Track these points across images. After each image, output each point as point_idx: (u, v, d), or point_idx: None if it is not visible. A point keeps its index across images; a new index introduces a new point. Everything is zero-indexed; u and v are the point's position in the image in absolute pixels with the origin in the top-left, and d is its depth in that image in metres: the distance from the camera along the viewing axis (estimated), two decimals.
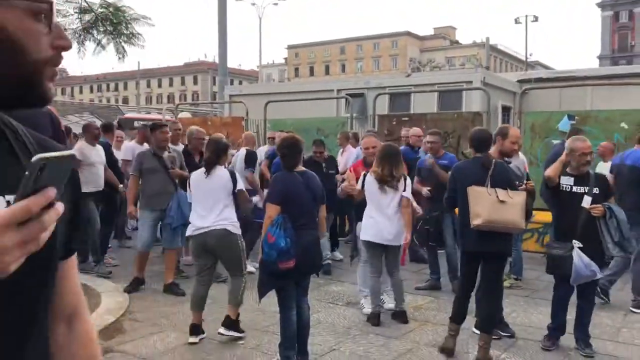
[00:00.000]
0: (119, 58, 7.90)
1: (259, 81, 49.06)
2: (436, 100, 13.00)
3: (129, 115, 17.62)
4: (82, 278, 6.36)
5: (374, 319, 5.11)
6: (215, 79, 51.99)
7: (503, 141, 4.51)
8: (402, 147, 7.64)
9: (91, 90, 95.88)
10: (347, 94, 12.61)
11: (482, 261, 4.25)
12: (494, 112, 11.41)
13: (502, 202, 4.06)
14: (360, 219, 5.30)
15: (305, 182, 4.08)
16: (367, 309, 5.33)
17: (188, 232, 4.66)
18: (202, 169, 4.70)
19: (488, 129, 5.05)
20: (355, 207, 5.49)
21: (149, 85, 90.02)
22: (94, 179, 6.45)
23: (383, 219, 4.99)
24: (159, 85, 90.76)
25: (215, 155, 4.64)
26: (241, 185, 4.71)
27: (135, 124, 16.02)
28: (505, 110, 13.13)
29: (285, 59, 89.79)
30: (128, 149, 7.79)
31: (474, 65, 61.21)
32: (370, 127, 10.18)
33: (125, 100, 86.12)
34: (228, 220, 4.55)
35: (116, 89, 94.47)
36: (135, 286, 5.93)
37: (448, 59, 74.55)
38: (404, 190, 5.04)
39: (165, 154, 6.04)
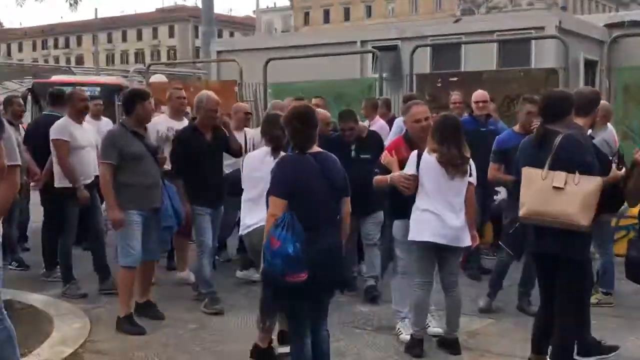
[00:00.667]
0: (70, 5, 7.98)
1: (257, 32, 49.05)
2: (495, 54, 12.90)
3: (55, 78, 17.08)
4: (31, 299, 6.39)
5: (416, 347, 5.11)
6: (197, 29, 52.06)
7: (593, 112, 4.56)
8: (462, 118, 7.62)
9: (34, 48, 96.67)
10: (374, 47, 12.57)
11: (554, 267, 4.30)
12: (574, 68, 11.31)
13: (557, 188, 4.11)
14: (399, 216, 5.30)
15: (321, 168, 4.07)
16: (406, 334, 5.34)
17: (243, 230, 5.01)
18: (264, 150, 4.96)
19: (566, 91, 5.00)
20: (391, 199, 5.45)
21: (110, 40, 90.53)
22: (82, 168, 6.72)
23: (447, 212, 4.99)
24: (124, 39, 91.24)
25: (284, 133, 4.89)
26: None
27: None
28: (589, 65, 13.01)
29: (291, 1, 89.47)
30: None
31: (547, 4, 60.54)
32: (408, 91, 10.15)
33: (80, 60, 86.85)
34: None
35: (67, 45, 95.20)
36: (130, 322, 5.71)
37: None
38: (470, 175, 5.07)
39: (148, 135, 6.10)
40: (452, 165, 4.95)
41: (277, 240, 3.81)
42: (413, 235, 5.07)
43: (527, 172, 4.26)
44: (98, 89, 14.19)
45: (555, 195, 4.10)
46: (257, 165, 4.96)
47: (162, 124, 7.02)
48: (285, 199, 3.94)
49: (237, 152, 6.58)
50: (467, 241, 5.08)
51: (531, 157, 4.31)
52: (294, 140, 4.10)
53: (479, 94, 7.64)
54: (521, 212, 4.25)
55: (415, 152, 5.09)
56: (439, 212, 4.98)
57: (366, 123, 8.77)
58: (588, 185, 4.08)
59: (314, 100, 8.30)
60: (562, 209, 4.07)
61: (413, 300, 5.21)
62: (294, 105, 4.37)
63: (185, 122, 6.81)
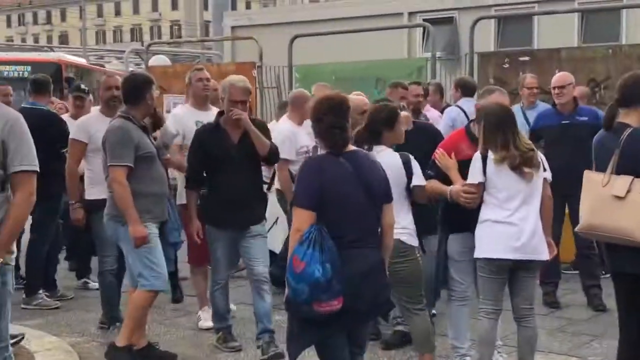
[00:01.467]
0: None
1: (279, 2, 49.25)
2: (576, 27, 12.81)
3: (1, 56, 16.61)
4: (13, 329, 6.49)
5: None
6: (207, 0, 52.44)
7: None
8: (545, 109, 7.58)
9: (8, 24, 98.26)
10: (425, 20, 12.59)
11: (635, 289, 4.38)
12: None
13: (617, 198, 4.19)
14: (455, 229, 5.33)
15: (355, 170, 4.12)
16: None
17: None
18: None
19: None
20: (445, 209, 5.48)
21: (100, 14, 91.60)
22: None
23: (524, 221, 5.00)
24: (117, 13, 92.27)
25: (378, 127, 5.06)
26: (420, 177, 5.13)
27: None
28: None
29: None
30: (85, 123, 6.93)
31: None
32: (466, 74, 10.15)
33: (64, 39, 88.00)
34: (404, 227, 4.96)
35: (49, 20, 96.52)
36: (131, 355, 5.63)
37: None
38: (544, 169, 5.10)
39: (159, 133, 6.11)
40: (524, 163, 4.95)
41: (301, 261, 3.84)
42: (482, 252, 5.07)
43: (588, 176, 4.37)
44: (29, 68, 14.25)
45: (614, 205, 4.19)
46: None
47: (188, 116, 6.79)
48: (312, 210, 3.99)
49: (269, 158, 6.15)
50: (545, 253, 5.09)
51: (603, 156, 4.42)
52: (328, 138, 4.15)
53: (557, 77, 7.53)
54: (577, 227, 4.37)
55: (478, 154, 5.07)
56: (515, 222, 4.98)
57: None
58: None
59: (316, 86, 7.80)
60: (620, 223, 4.16)
61: (478, 332, 5.23)
62: (325, 94, 4.40)
63: (212, 114, 6.50)
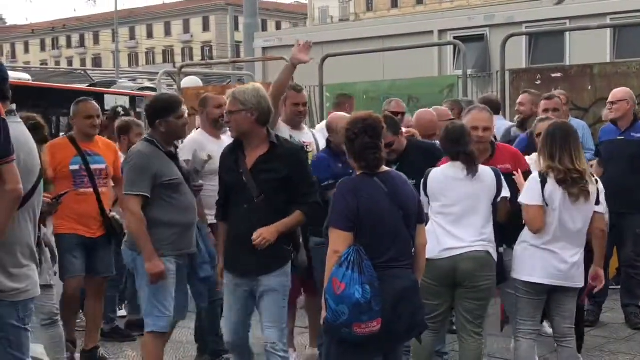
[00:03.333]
0: (88, 0, 8.19)
1: (309, 22, 49.57)
2: (609, 42, 12.72)
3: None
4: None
5: None
6: (237, 20, 52.98)
7: None
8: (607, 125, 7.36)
9: (42, 48, 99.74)
10: (456, 38, 12.56)
11: None
12: None
13: None
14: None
15: (389, 191, 4.12)
16: None
17: (428, 254, 4.72)
18: (455, 165, 4.98)
19: None
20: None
21: (132, 37, 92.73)
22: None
23: (565, 247, 4.98)
24: (149, 36, 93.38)
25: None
26: (507, 190, 5.12)
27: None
28: None
29: None
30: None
31: None
32: (495, 91, 10.10)
33: (97, 62, 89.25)
34: (490, 240, 4.98)
35: (82, 44, 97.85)
36: None
37: None
38: (597, 201, 5.01)
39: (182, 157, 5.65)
40: (572, 180, 4.87)
41: (341, 282, 3.86)
42: (519, 273, 5.06)
43: None
44: None
45: None
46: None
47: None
48: (349, 231, 4.00)
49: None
50: (580, 281, 5.05)
51: None
52: (363, 158, 4.16)
53: (612, 93, 7.32)
54: None
55: (535, 174, 5.03)
56: (555, 247, 4.96)
57: None
58: None
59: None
60: None
61: (518, 353, 5.18)
62: (359, 115, 4.38)
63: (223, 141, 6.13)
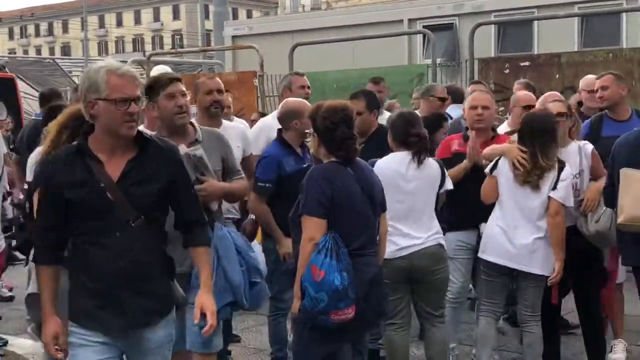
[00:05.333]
0: None
1: (280, 11, 49.45)
2: (577, 31, 12.80)
3: None
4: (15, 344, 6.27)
5: None
6: (208, 9, 52.66)
7: None
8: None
9: (10, 36, 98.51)
10: (425, 27, 12.58)
11: None
12: None
13: None
14: (451, 227, 5.39)
15: (360, 181, 4.14)
16: None
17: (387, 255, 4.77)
18: (402, 155, 4.88)
19: None
20: (441, 209, 5.44)
21: (102, 25, 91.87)
22: None
23: (517, 228, 5.04)
24: (119, 24, 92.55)
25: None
26: (450, 182, 5.08)
27: None
28: None
29: None
30: None
31: None
32: (464, 79, 10.15)
33: (66, 51, 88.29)
34: (438, 232, 4.99)
35: (51, 32, 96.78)
36: None
37: None
38: (554, 187, 5.04)
39: (184, 147, 4.25)
40: (535, 171, 4.96)
41: (320, 270, 3.87)
42: (482, 253, 5.18)
43: (625, 174, 4.65)
44: None
45: None
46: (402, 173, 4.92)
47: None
48: (324, 218, 4.01)
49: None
50: (538, 267, 5.05)
51: (632, 156, 4.71)
52: (344, 148, 4.16)
53: (589, 81, 7.00)
54: (620, 218, 4.63)
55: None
56: (507, 227, 5.04)
57: None
58: None
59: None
60: None
61: (477, 330, 5.29)
62: (336, 104, 4.34)
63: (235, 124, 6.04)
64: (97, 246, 3.32)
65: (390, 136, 5.00)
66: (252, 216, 5.54)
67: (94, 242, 3.32)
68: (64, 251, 3.42)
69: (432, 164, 4.94)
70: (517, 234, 5.02)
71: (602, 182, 5.32)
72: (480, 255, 5.19)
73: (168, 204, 3.49)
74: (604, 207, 5.20)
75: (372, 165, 4.77)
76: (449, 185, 5.03)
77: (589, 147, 5.42)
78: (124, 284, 3.31)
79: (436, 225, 4.98)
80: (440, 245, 4.97)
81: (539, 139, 4.98)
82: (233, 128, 5.62)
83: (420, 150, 4.82)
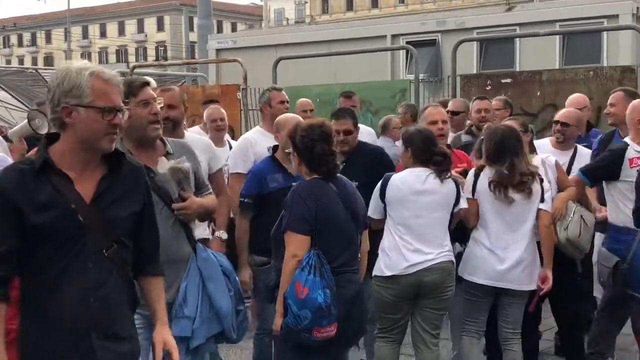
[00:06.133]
0: None
1: (264, 25, 49.51)
2: (558, 49, 12.89)
3: None
4: None
5: None
6: (192, 21, 52.65)
7: None
8: None
9: None
10: (408, 43, 12.63)
11: None
12: None
13: None
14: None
15: (343, 198, 4.15)
16: None
17: (394, 270, 4.75)
18: (420, 171, 4.84)
19: None
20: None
21: (85, 36, 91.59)
22: None
23: (505, 246, 5.02)
24: (102, 35, 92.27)
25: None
26: (465, 201, 5.02)
27: None
28: None
29: None
30: None
31: None
32: (447, 95, 10.18)
33: (49, 61, 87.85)
34: (450, 250, 4.96)
35: (34, 42, 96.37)
36: None
37: None
38: (542, 199, 5.07)
39: (165, 165, 3.94)
40: (511, 185, 4.96)
41: (304, 287, 3.87)
42: (463, 272, 5.12)
43: None
44: None
45: None
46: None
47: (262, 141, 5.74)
48: (308, 235, 4.01)
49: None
50: (525, 283, 5.07)
51: None
52: (325, 165, 4.17)
53: (572, 99, 7.13)
54: None
55: (472, 171, 5.14)
56: (495, 247, 5.01)
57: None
58: None
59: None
60: None
61: (461, 350, 5.26)
62: (314, 121, 4.35)
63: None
64: (64, 280, 2.77)
65: (409, 153, 4.94)
66: (220, 236, 5.19)
67: (59, 275, 2.77)
68: (8, 288, 2.80)
69: (448, 182, 4.91)
70: (507, 253, 5.00)
71: (569, 192, 5.40)
72: (467, 277, 5.12)
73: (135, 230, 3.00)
74: (572, 215, 5.25)
75: (388, 179, 4.83)
76: (463, 204, 4.99)
77: (552, 159, 5.49)
78: (95, 327, 2.80)
79: (448, 243, 4.94)
80: (452, 262, 4.94)
81: (509, 155, 4.98)
82: (197, 141, 4.98)
83: (444, 169, 4.83)
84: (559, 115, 6.22)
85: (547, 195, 5.10)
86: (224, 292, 3.86)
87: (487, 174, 5.01)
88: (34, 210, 2.73)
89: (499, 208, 5.00)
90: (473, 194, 5.05)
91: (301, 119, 5.03)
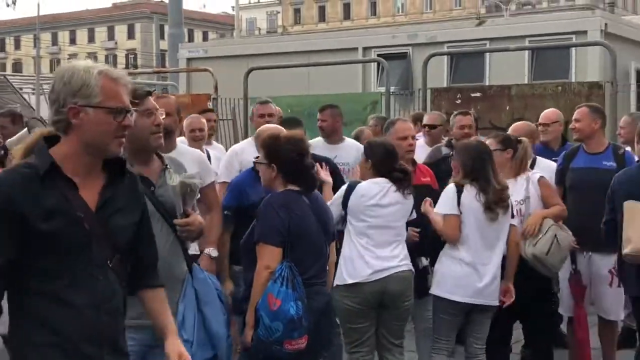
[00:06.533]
0: (7, 5, 8.01)
1: (236, 34, 49.42)
2: (527, 63, 13.02)
3: None
4: None
5: None
6: (163, 30, 52.46)
7: None
8: (537, 145, 6.81)
9: None
10: (380, 55, 12.67)
11: None
12: (624, 81, 11.43)
13: None
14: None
15: (315, 210, 4.17)
16: None
17: (357, 278, 4.79)
18: (383, 181, 4.90)
19: (614, 108, 5.23)
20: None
21: (55, 42, 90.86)
22: None
23: (486, 264, 5.01)
24: (72, 42, 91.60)
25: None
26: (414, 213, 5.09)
27: None
28: None
29: None
30: None
31: (590, 0, 61.04)
32: (417, 108, 10.25)
33: (18, 67, 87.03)
34: (408, 258, 4.98)
35: (2, 48, 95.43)
36: None
37: None
38: (512, 215, 5.11)
39: (174, 178, 3.78)
40: (497, 201, 4.95)
41: (276, 298, 3.86)
42: (440, 290, 5.08)
43: (629, 206, 4.78)
44: None
45: None
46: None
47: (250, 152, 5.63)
48: (280, 246, 4.02)
49: None
50: (497, 299, 5.11)
51: (634, 190, 4.84)
52: (306, 178, 4.19)
53: (543, 114, 7.18)
54: (627, 249, 4.74)
55: (452, 186, 5.07)
56: (477, 264, 5.00)
57: None
58: None
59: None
60: None
61: None
62: (296, 135, 4.34)
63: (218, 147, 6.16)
64: (73, 292, 2.60)
65: (369, 164, 5.00)
66: (209, 253, 5.10)
67: (67, 286, 2.59)
68: None
69: (408, 195, 4.99)
70: (486, 270, 5.00)
71: (551, 211, 5.41)
72: (445, 296, 5.04)
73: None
74: (545, 233, 5.25)
75: (351, 188, 4.86)
76: (413, 215, 5.08)
77: (536, 175, 5.51)
78: (105, 341, 2.66)
79: (407, 253, 5.00)
80: (412, 271, 5.00)
81: (488, 170, 5.00)
82: (188, 153, 4.84)
83: (405, 185, 4.89)
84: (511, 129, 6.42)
85: (515, 210, 5.15)
86: (220, 316, 3.70)
87: (470, 190, 4.97)
88: (39, 216, 2.53)
89: (482, 224, 4.98)
90: (458, 209, 4.99)
91: (283, 130, 4.89)
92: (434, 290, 5.09)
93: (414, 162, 5.57)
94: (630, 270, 4.99)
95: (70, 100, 2.59)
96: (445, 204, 5.04)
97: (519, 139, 5.62)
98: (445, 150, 6.80)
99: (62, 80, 2.63)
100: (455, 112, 7.49)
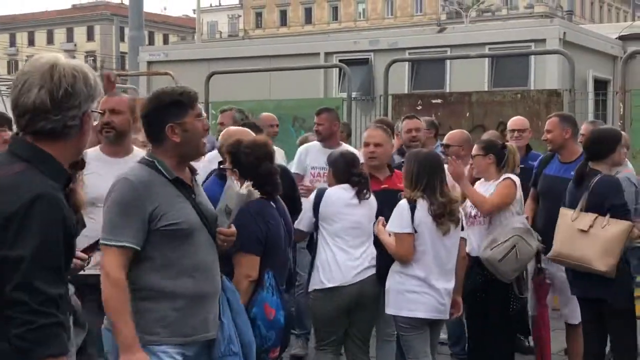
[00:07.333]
0: None
1: (197, 37, 49.20)
2: (487, 71, 13.12)
3: None
4: None
5: None
6: (123, 32, 52.07)
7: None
8: None
9: None
10: (341, 61, 12.68)
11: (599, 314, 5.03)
12: (582, 89, 11.58)
13: (581, 231, 4.88)
14: None
15: (282, 218, 4.21)
16: None
17: (334, 282, 4.89)
18: (348, 187, 5.00)
19: (613, 128, 5.51)
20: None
21: (13, 43, 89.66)
22: None
23: (441, 279, 4.97)
24: (30, 43, 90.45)
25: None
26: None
27: None
28: (600, 86, 13.32)
29: None
30: None
31: (550, 7, 61.83)
32: (381, 115, 10.28)
33: None
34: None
35: None
36: None
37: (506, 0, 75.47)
38: (463, 228, 5.14)
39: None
40: (444, 214, 4.88)
41: (271, 308, 3.89)
42: (399, 309, 4.98)
43: (563, 212, 5.06)
44: None
45: (579, 237, 4.88)
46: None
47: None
48: (260, 255, 4.04)
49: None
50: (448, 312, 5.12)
51: (572, 196, 5.10)
52: (271, 183, 4.19)
53: (514, 120, 7.26)
54: (549, 253, 5.08)
55: (404, 202, 4.95)
56: (431, 280, 4.93)
57: None
58: (613, 229, 4.79)
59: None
60: (583, 252, 4.83)
61: None
62: (259, 140, 4.33)
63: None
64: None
65: (331, 173, 5.15)
66: None
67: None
68: None
69: (372, 199, 5.09)
70: (441, 284, 4.96)
71: (465, 189, 5.55)
72: (407, 314, 4.95)
73: None
74: (505, 240, 5.25)
75: (321, 194, 4.97)
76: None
77: (505, 176, 5.54)
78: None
79: (375, 252, 5.07)
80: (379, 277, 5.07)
81: (438, 180, 4.96)
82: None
83: (362, 189, 4.98)
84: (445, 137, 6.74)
85: (464, 223, 5.21)
86: (248, 325, 3.64)
87: (423, 204, 4.87)
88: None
89: (435, 239, 4.91)
90: (412, 227, 4.87)
91: (250, 134, 4.76)
92: (393, 310, 4.98)
93: (390, 168, 5.61)
94: (570, 272, 5.25)
95: (89, 106, 2.53)
96: (398, 222, 4.91)
97: (503, 144, 5.75)
98: (398, 159, 6.69)
99: (81, 83, 2.54)
100: (402, 117, 7.55)
